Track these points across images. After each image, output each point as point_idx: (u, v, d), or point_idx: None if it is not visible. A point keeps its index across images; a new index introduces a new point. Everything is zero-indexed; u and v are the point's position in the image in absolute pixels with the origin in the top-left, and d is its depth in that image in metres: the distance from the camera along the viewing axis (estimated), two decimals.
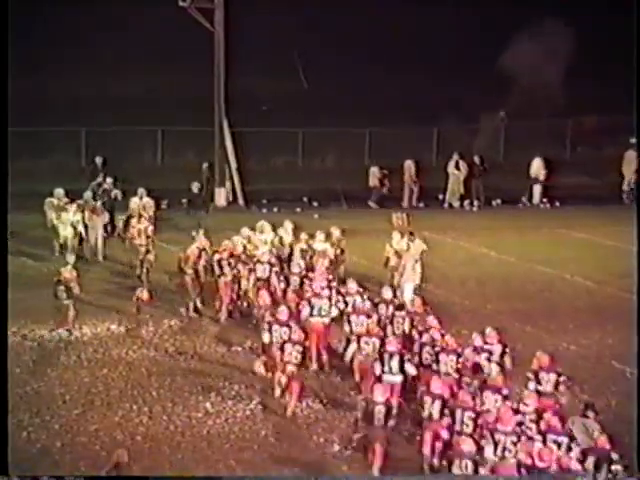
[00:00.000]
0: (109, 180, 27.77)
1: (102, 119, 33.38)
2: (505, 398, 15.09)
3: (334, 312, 18.55)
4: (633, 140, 34.63)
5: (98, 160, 30.17)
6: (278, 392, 16.93)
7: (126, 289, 21.87)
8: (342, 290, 19.14)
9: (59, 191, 25.22)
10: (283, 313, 17.47)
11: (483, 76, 35.80)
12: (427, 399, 15.09)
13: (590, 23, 36.59)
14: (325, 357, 18.39)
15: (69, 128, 33.22)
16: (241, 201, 32.39)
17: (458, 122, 35.40)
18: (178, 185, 30.20)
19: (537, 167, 33.37)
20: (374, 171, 32.69)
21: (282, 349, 16.78)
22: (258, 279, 20.52)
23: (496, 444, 13.86)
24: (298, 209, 30.21)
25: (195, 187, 29.04)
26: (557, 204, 32.95)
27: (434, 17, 39.89)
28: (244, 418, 16.51)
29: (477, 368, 16.31)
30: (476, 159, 32.90)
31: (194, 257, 21.06)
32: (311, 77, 40.71)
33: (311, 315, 18.46)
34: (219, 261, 20.80)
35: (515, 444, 13.90)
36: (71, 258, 20.75)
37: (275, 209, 31.03)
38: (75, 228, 24.14)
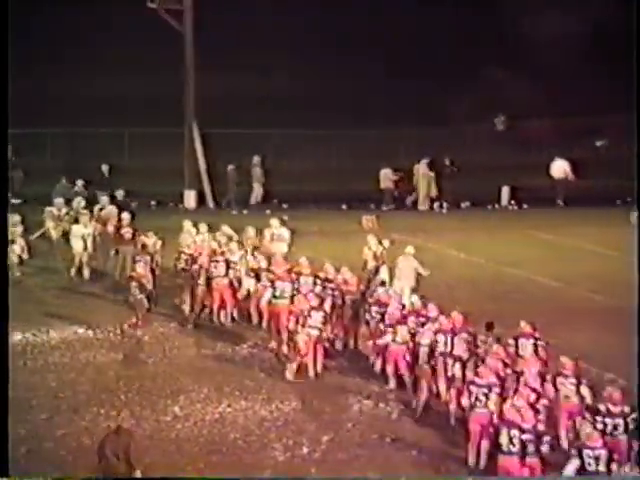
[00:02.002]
0: (80, 183, 27.47)
1: (70, 120, 33.15)
2: (537, 340, 16.72)
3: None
4: (598, 143, 34.84)
5: (104, 168, 29.88)
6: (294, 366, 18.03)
7: (92, 294, 21.91)
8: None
9: (59, 200, 24.98)
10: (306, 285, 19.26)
11: (482, 76, 35.96)
12: (449, 361, 16.49)
13: (589, 23, 36.77)
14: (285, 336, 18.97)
15: (34, 130, 32.90)
16: (210, 203, 32.32)
17: (429, 124, 35.45)
18: (147, 187, 30.08)
19: (561, 168, 33.03)
20: (386, 173, 32.46)
21: (309, 315, 18.19)
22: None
23: (470, 394, 15.02)
24: (268, 211, 30.16)
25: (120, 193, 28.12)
26: (525, 206, 33.09)
27: (434, 17, 39.79)
28: (213, 421, 16.44)
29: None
30: (446, 161, 32.98)
31: (205, 264, 20.67)
32: (279, 77, 40.59)
33: (274, 297, 19.42)
34: (227, 262, 20.70)
35: (486, 396, 14.92)
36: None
37: (245, 211, 30.97)
38: (85, 241, 23.20)
